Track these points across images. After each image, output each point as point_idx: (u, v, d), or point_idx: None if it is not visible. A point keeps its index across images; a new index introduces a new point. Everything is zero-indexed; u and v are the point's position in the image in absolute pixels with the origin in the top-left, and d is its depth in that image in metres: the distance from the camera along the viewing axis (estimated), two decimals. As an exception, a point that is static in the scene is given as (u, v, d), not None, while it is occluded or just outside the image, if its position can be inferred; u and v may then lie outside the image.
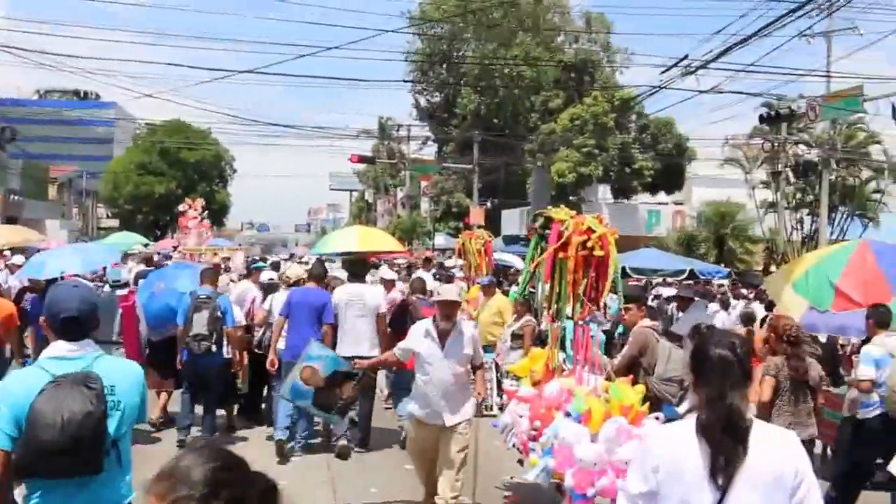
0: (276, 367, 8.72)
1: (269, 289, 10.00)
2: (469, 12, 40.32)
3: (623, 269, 13.65)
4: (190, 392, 9.17)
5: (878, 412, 6.93)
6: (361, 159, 34.31)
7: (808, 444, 5.81)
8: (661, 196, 38.96)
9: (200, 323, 8.85)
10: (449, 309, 6.04)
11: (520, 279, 6.07)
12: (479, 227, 23.47)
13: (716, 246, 29.66)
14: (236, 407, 10.03)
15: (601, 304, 5.80)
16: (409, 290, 10.71)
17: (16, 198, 38.10)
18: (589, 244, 5.64)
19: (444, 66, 46.29)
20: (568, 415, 5.24)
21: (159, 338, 9.58)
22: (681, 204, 40.04)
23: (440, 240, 40.96)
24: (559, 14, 44.38)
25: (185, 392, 9.20)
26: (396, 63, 52.03)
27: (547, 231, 5.75)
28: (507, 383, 7.23)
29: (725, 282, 19.57)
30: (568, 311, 5.80)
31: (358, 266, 9.72)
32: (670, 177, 37.19)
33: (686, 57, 15.84)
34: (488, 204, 36.00)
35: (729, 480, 2.60)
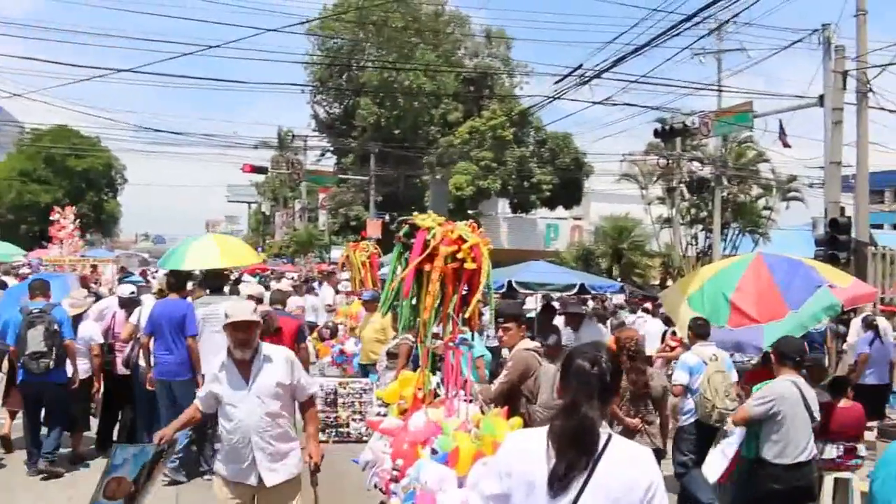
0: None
1: (131, 303, 9.04)
2: (370, 23, 39.60)
3: (508, 283, 13.04)
4: (31, 416, 8.32)
5: (693, 419, 7.59)
6: (255, 169, 33.05)
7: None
8: (560, 211, 39.02)
9: (36, 339, 7.99)
10: (243, 332, 4.72)
11: (382, 295, 5.25)
12: (377, 239, 22.68)
13: (613, 260, 29.68)
14: (93, 432, 9.08)
15: (474, 322, 5.09)
16: (270, 300, 10.26)
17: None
18: (459, 255, 4.95)
19: (344, 76, 45.40)
20: (434, 452, 4.51)
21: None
22: (579, 219, 40.24)
23: (337, 253, 39.90)
24: (459, 27, 44.10)
25: (26, 417, 8.37)
26: (294, 69, 50.72)
27: (412, 241, 5.02)
28: (373, 411, 6.42)
29: (621, 297, 19.36)
30: (436, 329, 5.07)
31: (217, 279, 8.97)
32: (568, 192, 37.27)
33: (580, 66, 15.48)
34: (386, 217, 35.23)
35: (566, 490, 2.61)
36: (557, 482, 2.61)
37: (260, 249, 55.09)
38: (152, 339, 8.06)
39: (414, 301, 5.02)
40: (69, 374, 8.33)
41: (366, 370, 10.06)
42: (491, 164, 33.67)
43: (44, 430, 8.37)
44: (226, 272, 8.86)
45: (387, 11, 39.13)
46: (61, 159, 49.84)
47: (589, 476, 2.61)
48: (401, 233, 5.08)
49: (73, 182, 51.35)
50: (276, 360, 4.82)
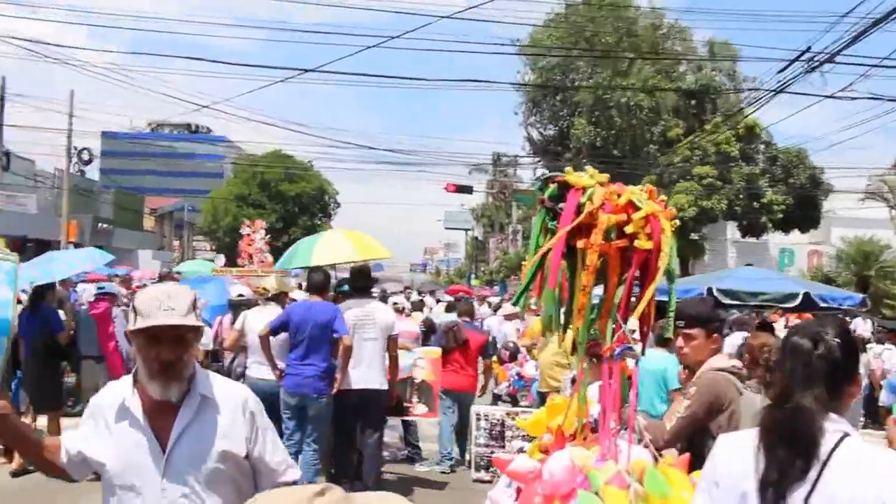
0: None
1: (237, 307, 8.17)
2: (583, 39, 38.21)
3: (708, 290, 10.01)
4: None
5: None
6: (459, 189, 32.39)
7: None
8: (795, 234, 35.21)
9: None
10: (170, 349, 2.53)
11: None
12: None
13: (858, 289, 26.01)
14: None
15: (647, 326, 3.51)
16: (458, 313, 10.08)
17: (104, 226, 38.31)
18: (629, 229, 3.42)
19: (558, 97, 44.23)
20: (577, 516, 3.01)
21: None
22: (818, 243, 36.22)
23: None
24: (680, 41, 41.55)
25: None
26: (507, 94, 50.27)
27: (560, 205, 3.54)
28: (515, 446, 5.03)
29: (867, 327, 16.63)
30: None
31: (364, 278, 7.92)
32: (804, 213, 33.49)
33: (808, 50, 12.91)
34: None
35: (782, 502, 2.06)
36: (771, 491, 2.09)
37: (472, 276, 54.93)
38: (292, 348, 7.11)
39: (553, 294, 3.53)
40: None
41: (544, 399, 8.55)
42: (715, 183, 30.89)
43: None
44: (370, 281, 7.91)
45: (599, 28, 37.69)
46: (275, 184, 52.17)
47: (814, 486, 2.06)
48: (545, 193, 3.62)
49: (286, 206, 53.64)
50: (225, 408, 2.62)
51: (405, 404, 8.17)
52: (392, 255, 9.02)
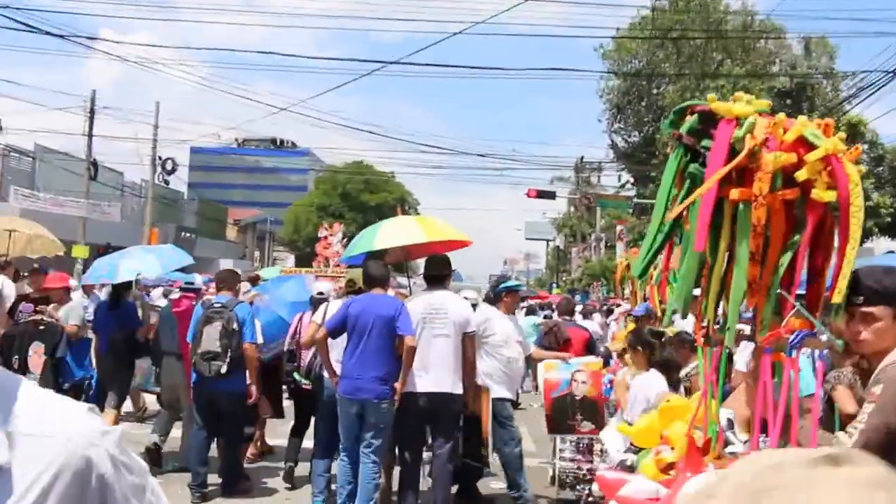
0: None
1: (318, 304, 7.60)
2: (670, 39, 36.89)
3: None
4: (204, 427, 7.25)
5: None
6: (540, 194, 31.40)
7: None
8: (904, 240, 33.01)
9: (211, 338, 7.00)
10: None
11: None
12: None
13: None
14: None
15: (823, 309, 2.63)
16: (558, 312, 10.18)
17: (187, 234, 38.70)
18: (800, 175, 2.56)
19: (643, 102, 42.92)
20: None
21: (269, 354, 7.85)
22: (928, 251, 33.88)
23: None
24: (773, 40, 39.76)
25: (199, 427, 7.28)
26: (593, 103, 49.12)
27: (703, 144, 2.69)
28: (615, 456, 4.25)
29: None
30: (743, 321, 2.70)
31: (438, 266, 6.97)
32: (914, 217, 31.32)
33: None
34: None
35: None
36: None
37: (554, 285, 53.73)
38: (343, 347, 6.40)
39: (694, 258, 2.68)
40: (247, 383, 7.21)
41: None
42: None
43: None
44: (446, 270, 7.02)
45: (686, 28, 36.34)
46: (356, 194, 52.23)
47: None
48: (684, 127, 2.78)
49: (366, 216, 53.54)
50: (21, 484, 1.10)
51: (569, 422, 7.12)
52: (472, 242, 8.01)
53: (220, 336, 6.93)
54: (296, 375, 7.45)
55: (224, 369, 6.90)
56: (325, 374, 6.75)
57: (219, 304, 7.20)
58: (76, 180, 28.32)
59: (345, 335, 6.35)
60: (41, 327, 7.55)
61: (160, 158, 31.13)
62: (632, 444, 4.61)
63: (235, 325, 6.99)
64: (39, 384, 6.04)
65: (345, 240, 17.43)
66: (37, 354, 7.41)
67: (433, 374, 6.35)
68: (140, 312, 8.90)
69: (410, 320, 6.27)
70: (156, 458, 7.72)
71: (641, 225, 41.14)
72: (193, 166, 76.50)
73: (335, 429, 6.58)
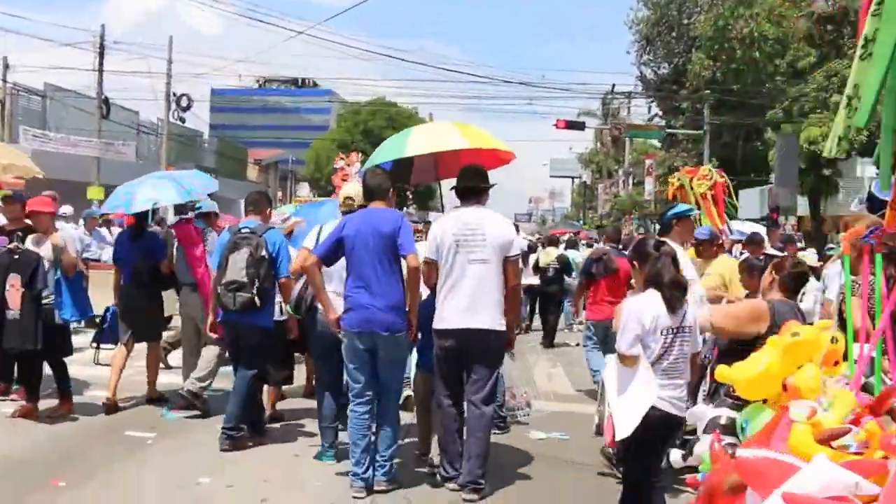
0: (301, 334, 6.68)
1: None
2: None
3: None
4: (235, 367, 6.75)
5: None
6: (570, 125, 30.17)
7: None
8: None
9: (237, 266, 6.30)
10: None
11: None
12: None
13: None
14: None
15: None
16: (604, 239, 10.00)
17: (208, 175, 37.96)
18: None
19: (673, 33, 41.24)
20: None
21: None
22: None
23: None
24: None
25: (234, 367, 6.78)
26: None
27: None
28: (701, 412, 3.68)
29: None
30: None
31: (473, 177, 5.87)
32: (958, 146, 29.80)
33: None
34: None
35: None
36: None
37: (580, 222, 52.79)
38: (351, 273, 5.52)
39: None
40: (277, 318, 6.68)
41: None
42: (854, 114, 27.74)
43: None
44: (482, 182, 5.87)
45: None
46: (378, 131, 51.03)
47: None
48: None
49: (389, 155, 52.52)
50: None
51: None
52: (515, 157, 6.97)
53: (247, 264, 6.23)
54: (287, 308, 6.61)
55: (251, 301, 6.20)
56: (319, 306, 5.92)
57: (246, 230, 6.45)
58: (89, 120, 27.59)
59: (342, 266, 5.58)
60: (15, 256, 6.77)
61: (174, 95, 30.27)
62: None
63: (264, 253, 6.28)
64: (21, 323, 5.00)
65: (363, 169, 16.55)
66: (14, 288, 6.65)
67: (469, 306, 5.46)
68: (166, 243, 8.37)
69: (412, 236, 5.49)
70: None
71: (671, 158, 39.89)
72: (215, 108, 75.83)
73: (336, 369, 5.90)
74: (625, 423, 4.20)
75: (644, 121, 44.22)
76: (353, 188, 6.33)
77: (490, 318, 5.49)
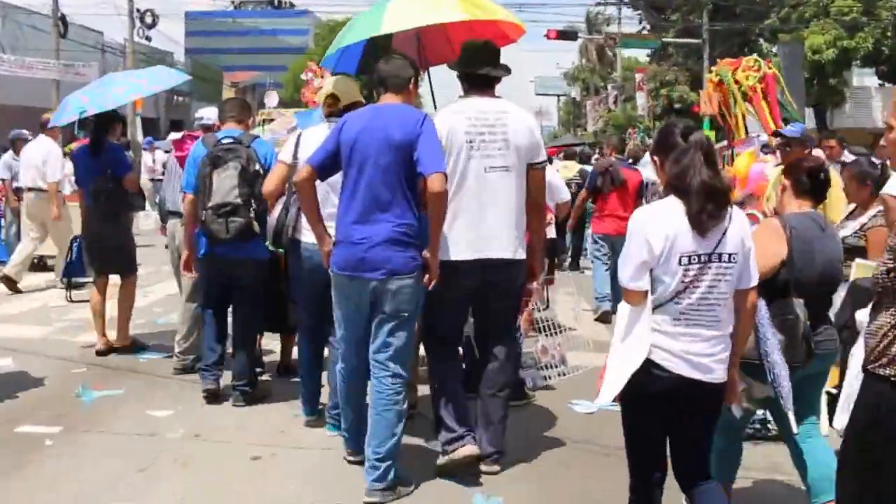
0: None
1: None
2: None
3: None
4: (214, 312, 5.54)
5: None
6: (561, 35, 28.41)
7: None
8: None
9: (224, 186, 5.11)
10: None
11: None
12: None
13: None
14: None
15: None
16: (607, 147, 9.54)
17: (181, 99, 36.32)
18: None
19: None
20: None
21: None
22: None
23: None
24: None
25: (206, 308, 5.59)
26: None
27: None
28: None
29: None
30: None
31: (484, 60, 4.39)
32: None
33: None
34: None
35: None
36: None
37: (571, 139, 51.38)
38: (345, 193, 4.09)
39: None
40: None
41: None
42: (859, 20, 26.37)
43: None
44: (495, 66, 4.37)
45: None
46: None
47: None
48: None
49: (370, 74, 50.65)
50: None
51: None
52: (525, 31, 5.40)
53: (239, 182, 5.04)
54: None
55: (248, 227, 5.07)
56: (302, 237, 4.69)
57: (229, 140, 5.21)
58: (46, 41, 25.77)
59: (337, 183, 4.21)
60: None
61: (138, 11, 28.31)
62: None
63: (257, 166, 5.11)
64: None
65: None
66: None
67: (484, 230, 4.21)
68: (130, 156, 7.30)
69: (440, 146, 4.00)
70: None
71: (662, 73, 38.38)
72: (190, 32, 73.27)
73: (324, 313, 4.53)
74: (606, 385, 3.09)
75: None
76: (339, 83, 4.99)
77: (513, 245, 4.27)
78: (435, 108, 4.99)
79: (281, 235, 4.88)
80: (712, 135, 29.07)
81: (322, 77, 14.94)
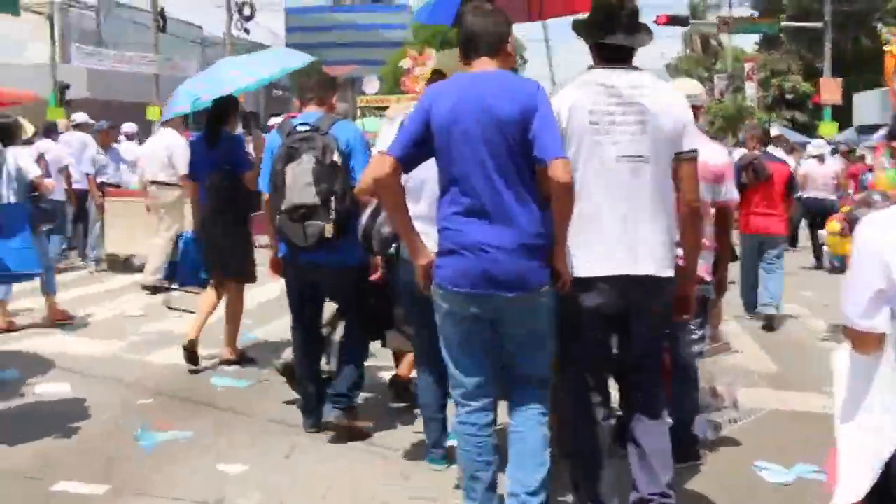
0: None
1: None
2: None
3: None
4: (303, 326, 4.70)
5: None
6: (671, 20, 26.72)
7: None
8: None
9: (300, 181, 4.27)
10: None
11: None
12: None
13: None
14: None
15: None
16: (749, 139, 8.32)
17: (280, 93, 36.30)
18: None
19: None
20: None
21: None
22: None
23: (775, 131, 33.07)
24: None
25: (295, 326, 4.75)
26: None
27: None
28: None
29: None
30: None
31: (622, 19, 3.34)
32: None
33: None
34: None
35: None
36: None
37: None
38: (446, 189, 3.22)
39: None
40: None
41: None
42: None
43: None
44: (637, 34, 3.27)
45: None
46: (456, 43, 48.67)
47: None
48: None
49: (470, 68, 50.21)
50: None
51: None
52: None
53: (315, 177, 4.23)
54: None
55: (329, 232, 4.23)
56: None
57: (305, 127, 4.37)
58: (147, 36, 25.94)
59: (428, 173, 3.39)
60: None
61: (236, 3, 28.24)
62: None
63: (337, 157, 4.25)
64: None
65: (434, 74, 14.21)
66: None
67: (621, 239, 3.23)
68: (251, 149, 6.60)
69: (556, 125, 3.10)
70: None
71: (773, 62, 36.43)
72: (290, 28, 74.65)
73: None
74: (849, 481, 2.16)
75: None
76: (444, 56, 4.21)
77: (657, 258, 3.26)
78: (553, 82, 4.04)
79: (370, 241, 4.04)
80: (835, 127, 27.19)
81: (423, 65, 14.25)
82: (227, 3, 27.56)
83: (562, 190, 2.97)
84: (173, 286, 6.91)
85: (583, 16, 3.80)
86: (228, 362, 6.06)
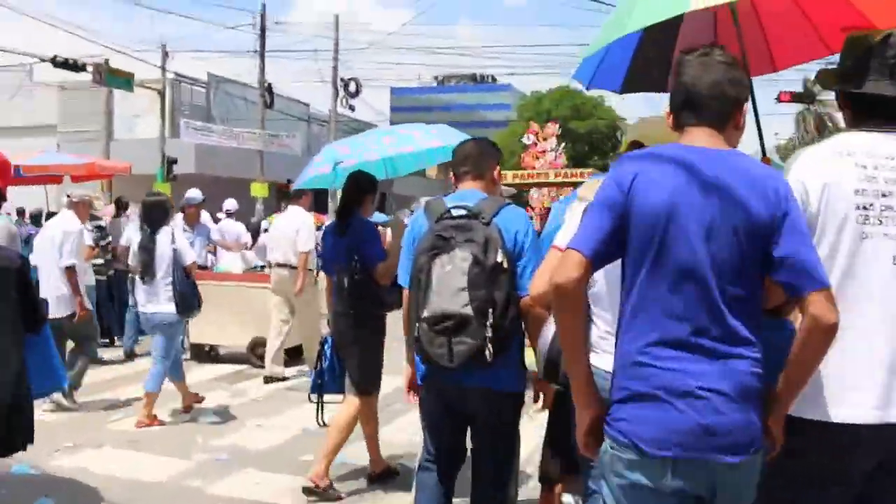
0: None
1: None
2: None
3: None
4: (439, 467, 3.57)
5: None
6: (795, 97, 25.06)
7: None
8: None
9: (451, 285, 3.14)
10: None
11: None
12: None
13: None
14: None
15: None
16: None
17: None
18: None
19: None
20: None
21: None
22: None
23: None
24: None
25: (429, 460, 3.63)
26: None
27: None
28: None
29: None
30: None
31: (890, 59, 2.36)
32: None
33: None
34: None
35: None
36: None
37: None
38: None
39: None
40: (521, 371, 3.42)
41: None
42: None
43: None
44: None
45: None
46: (563, 122, 48.36)
47: None
48: None
49: (575, 146, 49.45)
50: None
51: None
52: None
53: (471, 281, 3.12)
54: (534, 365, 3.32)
55: (489, 354, 3.10)
56: (597, 359, 2.62)
57: (461, 212, 3.28)
58: (255, 112, 26.04)
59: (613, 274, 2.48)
60: None
61: (342, 80, 28.22)
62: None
63: (501, 257, 3.14)
64: None
65: (562, 147, 13.02)
66: None
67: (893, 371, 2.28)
68: (387, 233, 5.93)
69: (810, 235, 2.24)
70: None
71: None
72: (395, 107, 76.68)
73: None
74: None
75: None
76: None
77: None
78: (763, 151, 2.99)
79: (556, 369, 2.92)
80: None
81: (545, 140, 13.30)
82: (334, 79, 27.53)
83: (824, 332, 2.09)
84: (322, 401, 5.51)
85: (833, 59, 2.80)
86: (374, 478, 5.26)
